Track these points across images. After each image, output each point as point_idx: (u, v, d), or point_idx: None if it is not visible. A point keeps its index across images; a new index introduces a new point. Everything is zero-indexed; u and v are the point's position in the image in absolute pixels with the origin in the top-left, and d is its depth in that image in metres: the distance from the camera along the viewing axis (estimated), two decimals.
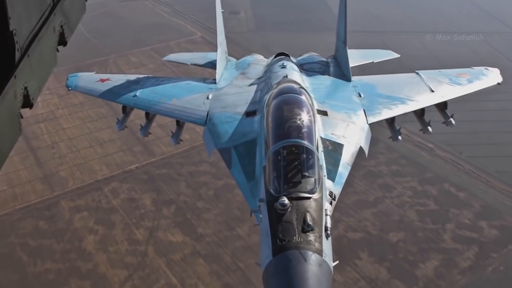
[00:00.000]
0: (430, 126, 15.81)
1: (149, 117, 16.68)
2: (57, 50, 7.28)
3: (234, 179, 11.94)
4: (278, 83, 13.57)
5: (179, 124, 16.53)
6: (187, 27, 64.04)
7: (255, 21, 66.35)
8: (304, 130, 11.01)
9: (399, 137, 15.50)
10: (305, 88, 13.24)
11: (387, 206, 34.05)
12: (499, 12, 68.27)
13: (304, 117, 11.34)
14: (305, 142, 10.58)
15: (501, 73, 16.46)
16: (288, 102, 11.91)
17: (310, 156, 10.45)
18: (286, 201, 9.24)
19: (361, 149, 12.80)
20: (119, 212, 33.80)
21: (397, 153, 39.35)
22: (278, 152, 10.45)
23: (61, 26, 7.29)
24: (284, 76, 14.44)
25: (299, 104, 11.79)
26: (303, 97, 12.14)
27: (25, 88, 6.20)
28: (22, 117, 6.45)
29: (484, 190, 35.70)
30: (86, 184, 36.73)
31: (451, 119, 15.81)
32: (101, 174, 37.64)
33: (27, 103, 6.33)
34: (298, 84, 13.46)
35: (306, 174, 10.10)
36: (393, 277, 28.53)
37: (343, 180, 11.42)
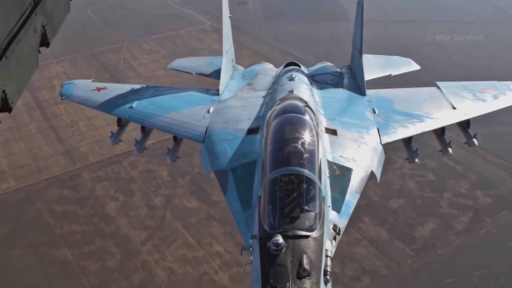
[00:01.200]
0: (451, 147, 14.59)
1: (145, 131, 15.54)
2: (39, 52, 6.83)
3: (229, 206, 10.77)
4: (282, 99, 12.58)
5: (177, 140, 15.30)
6: (196, 17, 66.22)
7: (263, 11, 68.40)
8: (306, 156, 9.94)
9: (416, 160, 14.34)
10: (311, 107, 12.07)
11: (389, 177, 36.19)
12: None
13: (307, 141, 10.26)
14: (306, 171, 9.51)
15: None
16: (290, 123, 10.80)
17: (311, 187, 9.40)
18: (281, 240, 8.18)
19: (372, 174, 11.63)
20: (137, 182, 36.19)
21: None
22: (275, 181, 9.37)
23: (43, 27, 6.84)
24: (289, 91, 13.30)
25: (302, 126, 10.69)
26: (307, 118, 11.01)
27: (3, 91, 5.85)
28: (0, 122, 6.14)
29: (481, 164, 37.82)
30: (105, 158, 39.12)
31: (474, 139, 14.43)
32: (120, 149, 39.83)
33: (5, 107, 5.99)
34: (304, 101, 12.24)
35: (306, 207, 9.06)
36: (393, 237, 30.84)
37: (350, 211, 10.30)
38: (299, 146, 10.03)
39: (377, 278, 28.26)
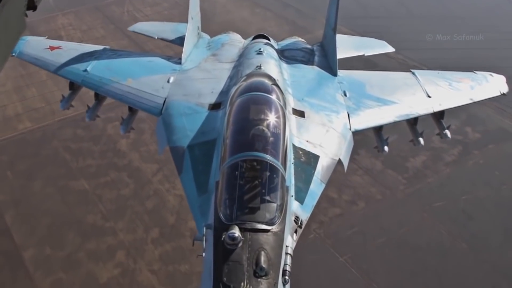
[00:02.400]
0: (422, 137, 14.21)
1: (99, 97, 14.75)
2: (26, 15, 6.62)
3: (183, 188, 10.14)
4: (249, 75, 11.69)
5: (132, 110, 14.37)
6: None
7: None
8: (271, 140, 9.19)
9: (386, 148, 13.71)
10: (279, 85, 11.23)
11: None
12: None
13: (272, 124, 9.46)
14: (269, 157, 8.71)
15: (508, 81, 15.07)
16: (255, 102, 10.00)
17: (275, 175, 8.61)
18: (237, 233, 7.45)
19: (339, 163, 11.10)
20: (146, 122, 38.09)
21: None
22: (235, 167, 8.60)
23: None
24: (257, 66, 12.48)
25: (268, 106, 9.90)
26: (274, 97, 10.23)
27: None
28: (27, 16, 6.22)
29: (471, 104, 39.83)
30: (113, 102, 41.04)
31: (447, 131, 14.22)
32: None
33: (31, 4, 5.99)
34: (272, 79, 11.40)
35: (267, 198, 8.30)
36: (387, 167, 33.16)
37: (314, 202, 9.65)
38: (264, 129, 9.23)
39: (371, 202, 30.69)
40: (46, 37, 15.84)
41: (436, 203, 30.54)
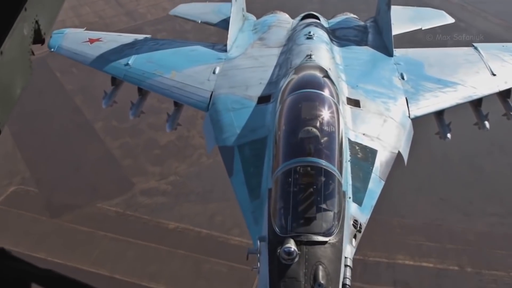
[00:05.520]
0: (488, 120, 12.52)
1: (143, 92, 13.77)
2: (32, 53, 6.46)
3: (234, 191, 9.54)
4: (299, 68, 10.87)
5: (178, 105, 13.51)
6: None
7: None
8: (324, 142, 8.68)
9: (448, 135, 12.27)
10: (331, 77, 10.45)
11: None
12: None
13: (326, 123, 8.92)
14: (324, 162, 8.23)
15: None
16: (307, 100, 9.44)
17: (330, 181, 8.15)
18: (293, 247, 7.06)
19: (399, 155, 10.26)
20: (191, 33, 43.21)
21: None
22: (288, 174, 8.15)
23: None
24: (307, 56, 11.53)
25: (320, 103, 9.32)
26: (326, 93, 9.58)
27: (36, 22, 5.64)
28: (33, 54, 5.95)
29: (482, 21, 44.10)
30: (161, 17, 46.07)
31: None
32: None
33: (39, 38, 5.83)
34: (324, 70, 10.56)
35: (323, 206, 7.86)
36: None
37: (374, 202, 9.05)
38: (317, 131, 8.71)
39: None
40: (85, 28, 15.16)
41: None
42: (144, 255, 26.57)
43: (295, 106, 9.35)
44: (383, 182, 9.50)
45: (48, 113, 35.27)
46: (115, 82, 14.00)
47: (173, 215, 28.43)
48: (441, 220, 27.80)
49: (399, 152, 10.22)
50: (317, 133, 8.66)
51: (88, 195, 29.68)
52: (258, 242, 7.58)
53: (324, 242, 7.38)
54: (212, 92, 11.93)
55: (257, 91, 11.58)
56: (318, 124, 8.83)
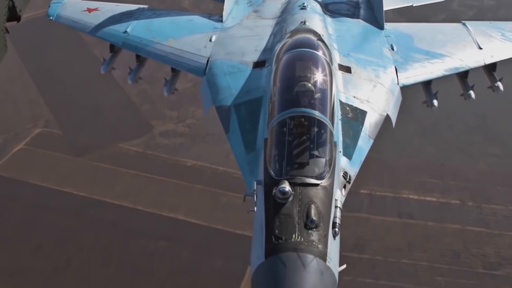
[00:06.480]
0: (473, 90, 13.26)
1: (141, 59, 14.27)
2: (7, 31, 6.41)
3: (230, 146, 10.18)
4: (293, 31, 11.46)
5: (174, 71, 14.01)
6: None
7: None
8: (318, 96, 9.18)
9: (435, 102, 12.92)
10: (325, 41, 11.01)
11: None
12: None
13: (319, 80, 9.42)
14: (317, 113, 8.73)
15: None
16: (301, 59, 9.93)
17: (323, 131, 8.66)
18: (287, 187, 7.61)
19: (387, 118, 10.91)
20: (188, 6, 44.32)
21: None
22: (283, 124, 8.65)
23: None
24: (301, 22, 12.10)
25: (314, 62, 9.82)
26: (320, 53, 10.12)
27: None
28: (8, 31, 5.86)
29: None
30: None
31: (499, 83, 13.36)
32: None
33: (14, 15, 5.76)
34: (317, 34, 11.12)
35: (316, 153, 8.37)
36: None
37: (362, 158, 9.70)
38: (311, 85, 9.21)
39: None
40: None
41: None
42: (164, 189, 28.31)
43: (290, 64, 9.84)
44: (372, 141, 10.13)
45: (68, 63, 36.80)
46: (114, 49, 14.46)
47: (191, 154, 30.13)
48: (445, 160, 29.38)
49: (387, 115, 10.87)
50: (312, 88, 9.16)
51: (110, 137, 31.38)
52: (255, 184, 8.14)
53: (317, 185, 7.91)
54: (208, 58, 12.40)
55: (252, 57, 12.11)
56: (312, 80, 9.30)
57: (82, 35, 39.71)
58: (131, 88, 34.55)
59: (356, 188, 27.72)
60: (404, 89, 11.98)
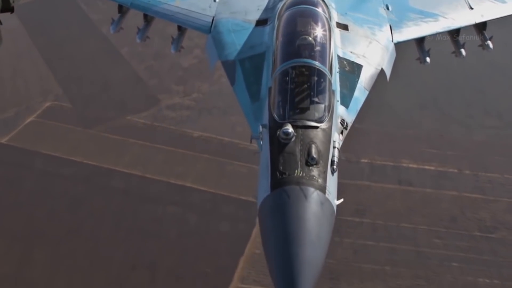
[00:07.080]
0: (464, 48, 13.98)
1: (148, 19, 14.93)
2: (0, 22, 5.64)
3: (236, 97, 10.87)
4: None
5: (181, 29, 14.66)
6: None
7: None
8: (317, 49, 9.89)
9: (428, 59, 13.67)
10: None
11: None
12: None
13: (319, 34, 10.15)
14: (317, 63, 9.46)
15: None
16: (302, 15, 10.62)
17: (322, 80, 9.39)
18: (290, 129, 8.32)
19: (382, 72, 11.61)
20: None
21: None
22: (286, 73, 9.37)
23: None
24: None
25: (314, 18, 10.53)
26: (319, 10, 10.80)
27: None
28: (1, 23, 5.83)
29: None
30: None
31: (489, 41, 13.95)
32: None
33: (7, 6, 5.67)
34: None
35: (316, 99, 9.14)
36: None
37: (358, 107, 10.42)
38: (311, 39, 9.93)
39: None
40: None
41: None
42: (172, 158, 29.27)
43: (292, 19, 10.50)
44: (367, 92, 10.83)
45: (77, 41, 37.57)
46: (122, 9, 14.90)
47: (197, 126, 31.04)
48: (443, 131, 30.26)
49: (382, 69, 11.53)
50: (312, 41, 9.87)
51: (118, 110, 32.27)
52: (260, 127, 8.90)
53: (317, 127, 8.64)
54: (213, 17, 12.99)
55: (255, 16, 12.64)
56: (312, 34, 9.96)
57: (89, 14, 40.84)
58: (138, 64, 35.55)
59: (357, 157, 28.73)
60: (400, 48, 12.65)
